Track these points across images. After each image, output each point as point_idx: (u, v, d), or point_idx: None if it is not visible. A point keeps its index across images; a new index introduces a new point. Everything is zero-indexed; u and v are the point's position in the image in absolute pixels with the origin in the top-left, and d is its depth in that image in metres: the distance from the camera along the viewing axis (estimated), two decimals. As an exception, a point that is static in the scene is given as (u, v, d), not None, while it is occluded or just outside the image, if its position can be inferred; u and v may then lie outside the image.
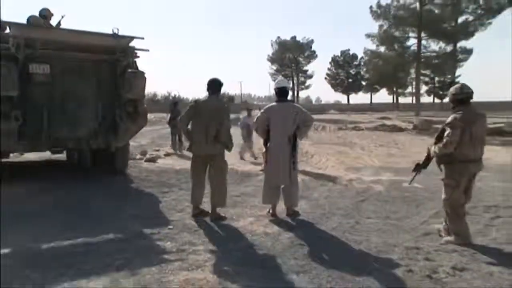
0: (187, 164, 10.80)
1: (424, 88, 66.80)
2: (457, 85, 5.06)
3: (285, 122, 5.77)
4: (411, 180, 5.63)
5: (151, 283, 3.69)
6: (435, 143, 4.95)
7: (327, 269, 4.04)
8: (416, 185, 8.16)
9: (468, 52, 47.70)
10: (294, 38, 62.78)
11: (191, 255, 4.38)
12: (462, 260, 4.29)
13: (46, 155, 9.81)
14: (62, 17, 8.84)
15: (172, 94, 70.66)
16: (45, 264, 4.07)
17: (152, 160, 11.33)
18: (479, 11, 39.62)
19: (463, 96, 4.84)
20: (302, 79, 65.86)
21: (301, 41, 62.91)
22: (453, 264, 4.15)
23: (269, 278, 3.83)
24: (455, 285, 3.72)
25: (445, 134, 4.78)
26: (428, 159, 5.21)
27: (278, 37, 63.28)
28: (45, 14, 8.68)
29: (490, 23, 39.55)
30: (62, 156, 10.43)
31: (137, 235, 5.02)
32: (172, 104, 15.44)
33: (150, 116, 16.14)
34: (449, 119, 4.81)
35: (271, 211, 5.93)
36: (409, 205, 6.67)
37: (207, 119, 5.62)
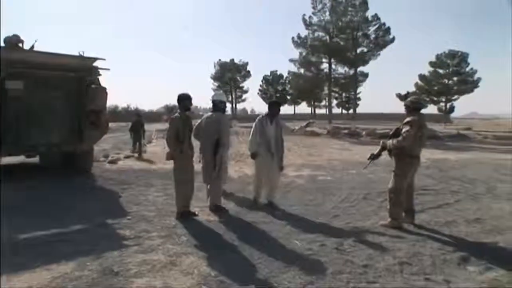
0: (143, 165, 10.61)
1: (334, 101, 69.56)
2: (414, 96, 5.10)
3: (209, 130, 5.48)
4: (365, 166, 5.59)
5: (113, 264, 3.57)
6: (390, 138, 4.87)
7: (258, 247, 4.09)
8: (328, 178, 8.49)
9: (365, 75, 50.60)
10: (232, 60, 63.10)
11: (146, 240, 4.27)
12: (361, 234, 4.52)
13: (21, 159, 9.17)
14: (36, 41, 8.31)
15: (132, 106, 68.26)
16: (23, 252, 3.87)
17: (114, 161, 10.89)
18: (371, 45, 42.30)
19: (420, 105, 4.92)
20: (239, 94, 66.11)
21: (238, 62, 63.24)
22: (354, 238, 4.36)
23: (210, 256, 3.82)
24: (355, 253, 3.91)
25: (405, 129, 4.66)
26: (380, 151, 5.08)
27: (219, 59, 63.51)
28: (17, 39, 8.13)
29: (379, 54, 42.29)
30: (35, 159, 9.78)
31: (100, 225, 4.82)
32: (135, 115, 15.07)
33: (111, 124, 15.51)
34: (408, 119, 4.73)
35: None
36: (323, 194, 6.86)
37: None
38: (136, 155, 12.67)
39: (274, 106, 5.93)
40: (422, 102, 5.03)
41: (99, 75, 8.25)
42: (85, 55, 8.01)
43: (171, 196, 6.00)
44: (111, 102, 62.18)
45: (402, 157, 4.77)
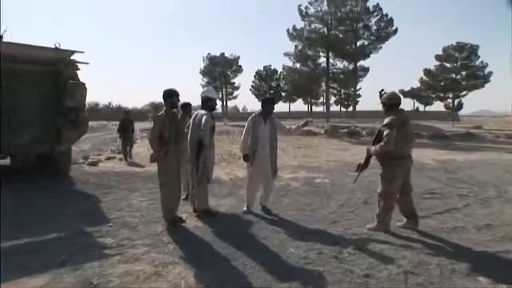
0: (125, 167, 10.54)
1: (332, 98, 69.86)
2: (391, 92, 5.03)
3: (193, 129, 5.55)
4: (355, 179, 5.55)
5: (92, 276, 3.53)
6: (373, 144, 4.88)
7: (251, 255, 4.08)
8: (326, 181, 8.51)
9: (366, 70, 50.69)
10: (223, 54, 62.84)
11: (129, 249, 4.23)
12: (361, 242, 4.53)
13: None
14: (4, 31, 8.21)
15: (114, 104, 68.01)
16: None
17: (94, 163, 10.81)
18: (372, 38, 42.43)
19: (397, 101, 4.91)
20: (230, 90, 65.89)
21: (229, 57, 63.07)
22: (353, 246, 4.36)
23: (199, 266, 3.80)
24: (355, 262, 3.90)
25: (385, 134, 4.70)
26: (368, 159, 5.07)
27: (209, 53, 63.10)
28: None
29: (381, 47, 42.40)
30: (6, 161, 9.68)
31: (79, 233, 4.77)
32: (124, 113, 13.91)
33: (91, 123, 15.41)
34: (386, 121, 4.74)
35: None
36: (320, 198, 6.88)
37: None
38: (125, 161, 11.90)
39: (268, 104, 5.91)
40: (399, 97, 4.98)
41: (78, 69, 8.18)
42: (62, 47, 7.91)
43: (156, 201, 5.98)
44: (91, 98, 62.09)
45: (388, 160, 4.79)
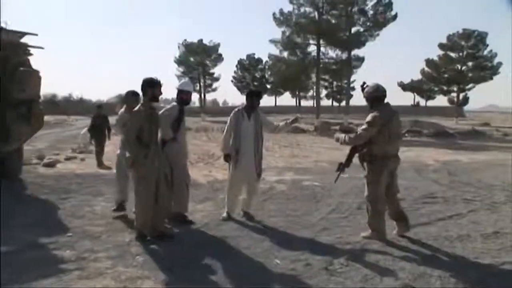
0: (89, 168, 10.40)
1: (324, 92, 70.35)
2: (373, 84, 5.03)
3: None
4: (336, 179, 5.54)
5: (45, 295, 3.46)
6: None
7: (231, 267, 4.07)
8: (315, 184, 8.57)
9: (361, 60, 51.16)
10: (201, 41, 62.59)
11: (92, 263, 4.17)
12: (354, 251, 4.56)
13: None
14: None
15: (75, 95, 67.08)
16: None
17: (51, 164, 10.62)
18: (368, 24, 42.73)
19: (381, 94, 4.95)
20: (209, 82, 65.68)
21: (208, 44, 62.82)
22: (346, 256, 4.39)
23: (172, 280, 3.77)
24: (348, 275, 3.93)
25: (361, 128, 4.81)
26: (350, 157, 5.11)
27: (185, 40, 62.66)
28: None
29: (378, 34, 42.79)
30: None
31: (30, 245, 4.66)
32: (96, 108, 12.91)
33: (47, 118, 15.15)
34: (369, 117, 4.79)
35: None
36: (309, 203, 6.93)
37: None
38: (99, 167, 10.99)
39: (253, 97, 5.90)
40: (383, 90, 5.00)
41: (30, 54, 8.01)
42: (10, 27, 7.71)
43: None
44: (47, 89, 60.98)
45: (373, 161, 4.86)
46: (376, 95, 4.94)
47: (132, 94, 6.00)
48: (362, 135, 4.80)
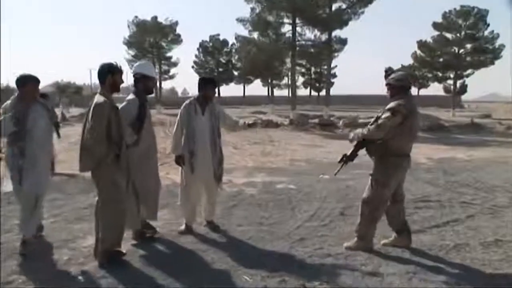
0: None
1: (300, 79, 70.81)
2: (400, 72, 5.11)
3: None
4: (337, 171, 5.37)
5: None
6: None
7: (192, 286, 4.06)
8: (290, 186, 8.60)
9: (343, 42, 51.31)
10: (155, 18, 61.74)
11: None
12: (336, 265, 4.60)
13: None
14: None
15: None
16: None
17: None
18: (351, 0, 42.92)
19: (407, 84, 4.99)
20: (166, 67, 64.92)
21: (163, 22, 62.08)
22: (326, 270, 4.43)
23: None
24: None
25: (384, 116, 4.73)
26: (356, 149, 5.03)
27: (136, 17, 61.56)
28: None
29: (362, 12, 43.07)
30: None
31: None
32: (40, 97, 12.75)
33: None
34: (391, 105, 4.77)
35: None
36: (284, 209, 6.95)
37: None
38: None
39: (207, 86, 5.80)
40: (410, 80, 5.10)
41: None
42: None
43: (62, 218, 5.81)
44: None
45: (386, 157, 4.85)
46: (403, 85, 4.95)
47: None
48: (386, 124, 4.68)
